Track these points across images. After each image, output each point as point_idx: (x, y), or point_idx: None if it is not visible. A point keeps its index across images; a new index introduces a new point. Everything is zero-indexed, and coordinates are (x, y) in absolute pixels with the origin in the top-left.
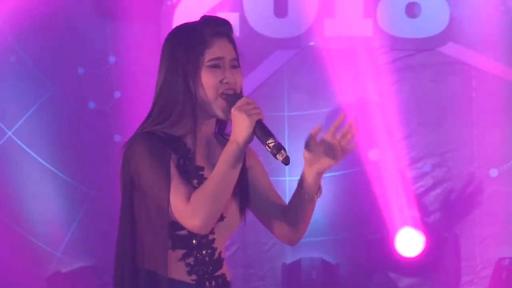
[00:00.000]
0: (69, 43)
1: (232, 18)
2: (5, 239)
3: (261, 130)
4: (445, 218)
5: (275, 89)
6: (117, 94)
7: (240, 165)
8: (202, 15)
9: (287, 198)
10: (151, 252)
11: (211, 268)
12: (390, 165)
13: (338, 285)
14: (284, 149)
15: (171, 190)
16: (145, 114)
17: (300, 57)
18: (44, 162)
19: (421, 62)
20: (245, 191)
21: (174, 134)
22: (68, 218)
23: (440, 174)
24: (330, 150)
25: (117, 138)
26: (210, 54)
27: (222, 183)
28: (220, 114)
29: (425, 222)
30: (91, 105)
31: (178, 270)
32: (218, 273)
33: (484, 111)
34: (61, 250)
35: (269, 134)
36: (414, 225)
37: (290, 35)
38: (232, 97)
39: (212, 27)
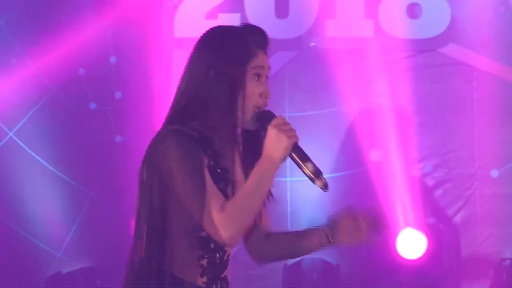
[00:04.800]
0: (70, 44)
1: (233, 18)
2: (6, 239)
3: (298, 153)
4: (446, 219)
5: (276, 89)
6: (118, 94)
7: (272, 181)
8: (243, 23)
9: (288, 199)
10: (180, 257)
11: (220, 270)
12: (391, 166)
13: (339, 286)
14: (323, 174)
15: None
16: (146, 114)
17: (301, 57)
18: (45, 163)
19: (422, 63)
20: None
21: (204, 132)
22: (69, 219)
23: (441, 175)
24: (357, 230)
25: (118, 138)
26: (255, 62)
27: (254, 199)
28: (250, 125)
29: (426, 223)
30: (92, 105)
31: (191, 271)
32: (224, 275)
33: (485, 112)
34: (62, 251)
35: (307, 158)
36: (416, 226)
37: (291, 36)
38: (267, 113)
39: (256, 37)
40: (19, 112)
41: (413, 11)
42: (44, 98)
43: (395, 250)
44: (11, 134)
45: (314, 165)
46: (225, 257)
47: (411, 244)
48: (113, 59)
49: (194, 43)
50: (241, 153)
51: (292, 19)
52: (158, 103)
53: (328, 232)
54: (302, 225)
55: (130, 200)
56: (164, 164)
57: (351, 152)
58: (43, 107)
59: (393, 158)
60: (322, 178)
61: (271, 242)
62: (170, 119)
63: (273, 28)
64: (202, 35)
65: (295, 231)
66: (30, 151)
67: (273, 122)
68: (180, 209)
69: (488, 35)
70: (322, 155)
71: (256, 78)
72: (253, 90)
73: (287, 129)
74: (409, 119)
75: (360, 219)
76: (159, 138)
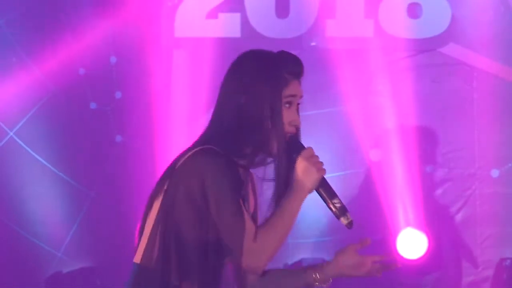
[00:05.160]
0: (70, 43)
1: (234, 18)
2: (6, 239)
3: (325, 188)
4: (446, 218)
5: None
6: (118, 94)
7: (298, 212)
8: (275, 52)
9: None
10: (184, 269)
11: (220, 282)
12: (392, 165)
13: (339, 286)
14: (348, 212)
15: (239, 223)
16: (146, 114)
17: (301, 57)
18: (45, 163)
19: (422, 62)
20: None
21: (237, 160)
22: (69, 218)
23: (441, 175)
24: (361, 265)
25: (118, 138)
26: (288, 91)
27: (283, 229)
28: (276, 153)
29: (426, 222)
30: (92, 105)
31: (193, 283)
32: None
33: (485, 112)
34: (62, 250)
35: (334, 194)
36: (416, 226)
37: (292, 36)
38: (296, 142)
39: (290, 65)
40: (19, 111)
41: (413, 11)
42: (44, 98)
43: (396, 250)
44: (11, 133)
45: (340, 202)
46: (223, 270)
47: (411, 244)
48: (113, 59)
49: (194, 42)
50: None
51: (292, 18)
52: (158, 103)
53: (317, 273)
54: (302, 225)
55: (130, 200)
56: (204, 181)
57: (351, 152)
58: (44, 107)
59: (393, 158)
60: (347, 215)
61: (266, 279)
62: (206, 141)
63: (273, 28)
64: (237, 58)
65: (289, 270)
66: (30, 151)
67: (303, 153)
68: (200, 227)
69: (488, 35)
70: (322, 155)
71: (287, 106)
72: (284, 118)
73: (316, 162)
74: (409, 119)
75: (367, 258)
76: (198, 153)
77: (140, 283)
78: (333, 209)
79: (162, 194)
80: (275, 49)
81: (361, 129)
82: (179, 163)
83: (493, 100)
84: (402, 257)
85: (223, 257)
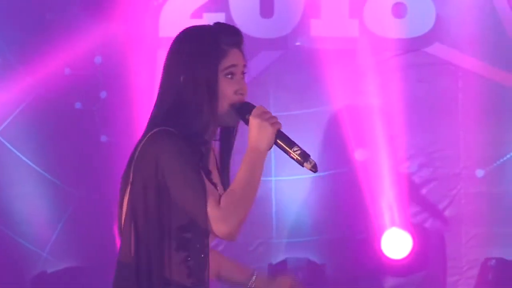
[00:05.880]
0: (56, 43)
1: (218, 18)
2: None
3: (283, 139)
4: (431, 218)
5: (261, 89)
6: (103, 94)
7: (262, 170)
8: (215, 21)
9: (272, 198)
10: (168, 259)
11: (205, 270)
12: (377, 165)
13: (324, 286)
14: (310, 156)
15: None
16: (132, 114)
17: (286, 57)
18: (30, 163)
19: (407, 62)
20: None
21: (188, 136)
22: (54, 218)
23: (426, 174)
24: None
25: (103, 138)
26: (226, 62)
27: (249, 190)
28: (231, 123)
29: (411, 222)
30: (78, 105)
31: (179, 272)
32: (208, 274)
33: (470, 112)
34: (47, 250)
35: (293, 143)
36: (401, 226)
37: (276, 36)
38: (245, 105)
39: (227, 36)
40: (4, 111)
41: (398, 10)
42: (29, 98)
43: (380, 250)
44: None
45: (300, 148)
46: (207, 257)
47: (396, 243)
48: (98, 59)
49: None
50: (215, 154)
51: (277, 18)
52: (143, 102)
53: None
54: (287, 225)
55: (115, 200)
56: (157, 163)
57: (336, 152)
58: (29, 107)
59: (379, 157)
60: (310, 160)
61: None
62: (155, 123)
63: (258, 28)
64: (175, 38)
65: (234, 262)
66: (15, 151)
67: (254, 112)
68: (168, 210)
69: (473, 35)
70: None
71: (230, 77)
72: (226, 89)
73: (269, 117)
74: (395, 118)
75: None
76: (150, 138)
77: (121, 275)
78: (295, 157)
79: (129, 187)
80: (259, 48)
81: (346, 129)
82: (136, 153)
83: (479, 100)
84: (386, 257)
85: (204, 236)
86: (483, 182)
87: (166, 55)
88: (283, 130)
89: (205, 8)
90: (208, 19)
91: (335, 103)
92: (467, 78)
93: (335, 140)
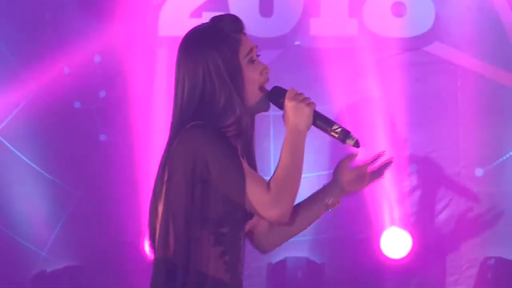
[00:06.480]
0: (55, 42)
1: None
2: None
3: (321, 119)
4: (430, 217)
5: None
6: (102, 93)
7: (303, 151)
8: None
9: None
10: (206, 254)
11: (239, 266)
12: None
13: (323, 285)
14: (351, 133)
15: (248, 180)
16: (131, 114)
17: (286, 56)
18: (29, 162)
19: (407, 61)
20: None
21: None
22: (53, 217)
23: (426, 174)
24: (361, 176)
25: (103, 137)
26: (244, 49)
27: (294, 171)
28: (264, 109)
29: (410, 221)
30: (77, 104)
31: (217, 268)
32: (241, 270)
33: (469, 111)
34: (46, 249)
35: (331, 122)
36: (401, 225)
37: (276, 35)
38: (276, 90)
39: (231, 25)
40: (3, 111)
41: (397, 9)
42: (29, 97)
43: (380, 249)
44: None
45: (340, 126)
46: (240, 252)
47: (395, 243)
48: (97, 58)
49: (178, 41)
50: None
51: (277, 17)
52: (142, 101)
53: (326, 199)
54: None
55: (114, 199)
56: (199, 156)
57: (336, 151)
58: (28, 106)
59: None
60: (352, 136)
61: (276, 229)
62: (183, 122)
63: (257, 27)
64: (183, 40)
65: (301, 208)
66: (14, 150)
67: (288, 95)
68: (208, 204)
69: (473, 34)
70: (307, 153)
71: (252, 62)
72: (252, 74)
73: (303, 98)
74: (394, 117)
75: (361, 168)
76: (186, 134)
77: (162, 278)
78: (335, 135)
79: (165, 186)
80: (259, 47)
81: (346, 128)
82: (171, 149)
83: (478, 99)
84: (386, 256)
85: (239, 230)
86: (482, 181)
87: (177, 58)
88: (282, 128)
89: (204, 7)
90: (208, 18)
91: (334, 102)
92: (466, 77)
93: (334, 139)
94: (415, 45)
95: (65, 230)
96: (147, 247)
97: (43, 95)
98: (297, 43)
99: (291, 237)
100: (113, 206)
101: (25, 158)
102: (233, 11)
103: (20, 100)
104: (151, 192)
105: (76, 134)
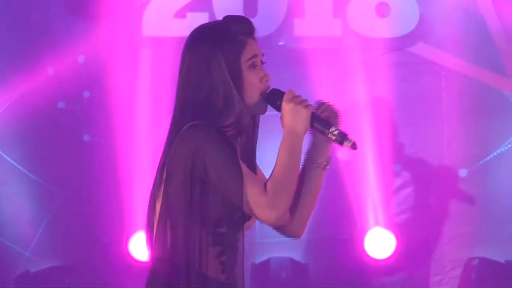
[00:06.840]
0: (39, 43)
1: (202, 18)
2: None
3: (318, 121)
4: (414, 218)
5: None
6: (86, 94)
7: (301, 153)
8: (222, 18)
9: None
10: (204, 254)
11: (236, 267)
12: (361, 165)
13: (307, 285)
14: (348, 135)
15: (245, 182)
16: (115, 114)
17: (270, 57)
18: (13, 162)
19: (391, 62)
20: None
21: (224, 129)
22: (37, 218)
23: (410, 174)
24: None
25: (86, 138)
26: (247, 54)
27: (291, 173)
28: (261, 111)
29: (394, 222)
30: (61, 105)
31: (214, 268)
32: (238, 271)
33: (453, 111)
34: (30, 250)
35: (329, 123)
36: (385, 226)
37: (260, 35)
38: (274, 92)
39: (241, 27)
40: None
41: (381, 10)
42: (13, 97)
43: (364, 250)
44: None
45: (337, 128)
46: (238, 253)
47: (379, 243)
48: (81, 59)
49: (162, 42)
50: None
51: (261, 18)
52: (126, 102)
53: (319, 161)
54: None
55: (98, 199)
56: (198, 155)
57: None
58: (12, 107)
59: (363, 157)
60: (349, 138)
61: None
62: (183, 121)
63: None
64: (190, 37)
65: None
66: None
67: (285, 97)
68: (207, 203)
69: (457, 34)
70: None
71: (253, 68)
72: (251, 79)
73: (301, 101)
74: (379, 117)
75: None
76: (186, 133)
77: (159, 277)
78: (333, 137)
79: (163, 184)
80: None
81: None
82: (170, 151)
83: (462, 99)
84: (370, 256)
85: (236, 231)
86: (466, 181)
87: (182, 55)
88: (267, 129)
89: (188, 8)
90: (192, 18)
91: (317, 102)
92: (450, 77)
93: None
94: (399, 45)
95: (49, 230)
96: (131, 247)
97: (27, 95)
98: (281, 43)
99: (310, 215)
100: (97, 206)
101: (8, 158)
102: (217, 11)
103: (4, 100)
104: (150, 191)
105: (60, 134)
